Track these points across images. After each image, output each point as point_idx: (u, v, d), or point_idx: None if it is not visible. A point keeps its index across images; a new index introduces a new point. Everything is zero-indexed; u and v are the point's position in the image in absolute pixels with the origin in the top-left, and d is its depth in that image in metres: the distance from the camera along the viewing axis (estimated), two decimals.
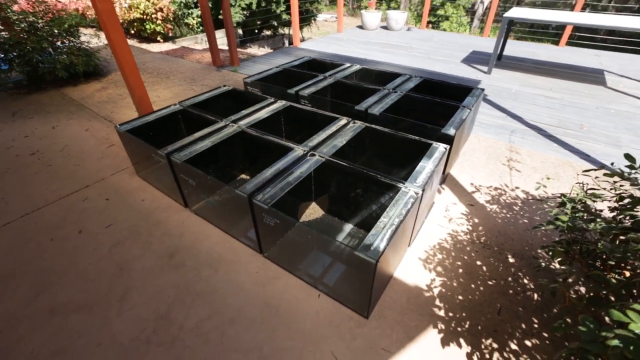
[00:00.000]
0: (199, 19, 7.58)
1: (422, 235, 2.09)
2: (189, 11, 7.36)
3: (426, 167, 1.87)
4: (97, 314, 1.63)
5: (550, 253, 1.47)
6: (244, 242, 2.01)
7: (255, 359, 1.44)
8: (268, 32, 9.88)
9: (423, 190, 1.68)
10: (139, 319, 1.61)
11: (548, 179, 1.67)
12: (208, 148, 2.12)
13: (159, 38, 6.77)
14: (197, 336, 1.54)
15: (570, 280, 1.71)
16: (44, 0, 4.35)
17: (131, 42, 6.82)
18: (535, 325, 1.58)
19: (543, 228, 1.50)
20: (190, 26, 7.61)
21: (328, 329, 1.56)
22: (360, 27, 8.01)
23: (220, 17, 7.29)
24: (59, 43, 4.38)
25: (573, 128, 3.41)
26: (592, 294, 1.17)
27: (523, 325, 1.58)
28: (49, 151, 3.01)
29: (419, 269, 1.86)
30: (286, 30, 10.13)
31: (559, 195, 1.85)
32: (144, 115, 2.55)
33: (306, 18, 9.37)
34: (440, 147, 2.06)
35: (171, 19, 6.71)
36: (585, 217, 1.44)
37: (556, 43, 6.41)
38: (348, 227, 2.10)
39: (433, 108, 2.75)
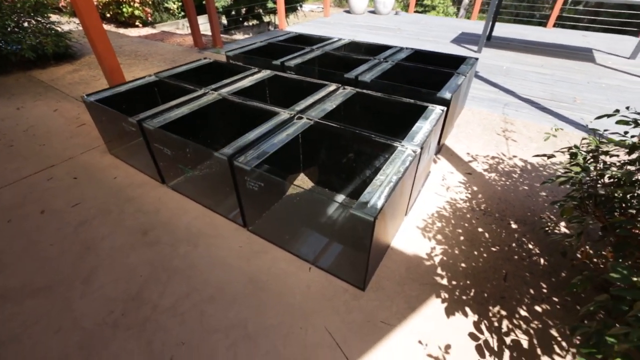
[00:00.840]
0: (180, 3, 7.25)
1: (419, 203, 1.95)
2: None
3: (423, 127, 1.73)
4: (57, 297, 1.43)
5: (561, 209, 1.35)
6: (226, 217, 1.83)
7: (238, 337, 1.28)
8: (253, 22, 9.60)
9: (421, 149, 1.54)
10: (105, 300, 1.42)
11: (557, 129, 1.54)
12: (184, 115, 1.92)
13: (137, 23, 6.43)
14: (173, 317, 1.36)
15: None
16: None
17: (107, 27, 6.46)
18: (544, 290, 1.46)
19: (552, 183, 1.38)
20: (171, 11, 7.27)
21: (320, 302, 1.40)
22: (348, 11, 7.83)
23: (203, 2, 7.00)
24: (25, 24, 4.06)
25: (566, 101, 3.34)
26: (616, 241, 1.04)
27: (531, 291, 1.46)
28: (11, 132, 2.74)
29: (418, 238, 1.72)
30: (272, 18, 9.86)
31: (538, 155, 1.73)
32: (115, 85, 2.32)
33: (292, 7, 9.12)
34: (437, 109, 1.92)
35: (150, 2, 6.37)
36: (598, 168, 1.32)
37: (544, 25, 6.37)
38: (340, 198, 1.94)
39: (426, 77, 2.60)
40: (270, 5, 8.18)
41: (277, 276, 1.52)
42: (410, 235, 1.74)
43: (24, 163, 2.33)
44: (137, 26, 6.45)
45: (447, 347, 1.25)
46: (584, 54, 4.77)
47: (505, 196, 2.01)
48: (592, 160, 1.35)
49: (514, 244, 1.69)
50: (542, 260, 1.60)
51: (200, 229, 1.77)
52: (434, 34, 5.90)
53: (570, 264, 1.57)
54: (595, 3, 10.44)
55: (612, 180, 1.27)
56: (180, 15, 7.40)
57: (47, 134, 2.69)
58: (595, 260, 1.52)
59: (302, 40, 3.66)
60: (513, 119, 2.95)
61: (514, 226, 1.80)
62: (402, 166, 1.41)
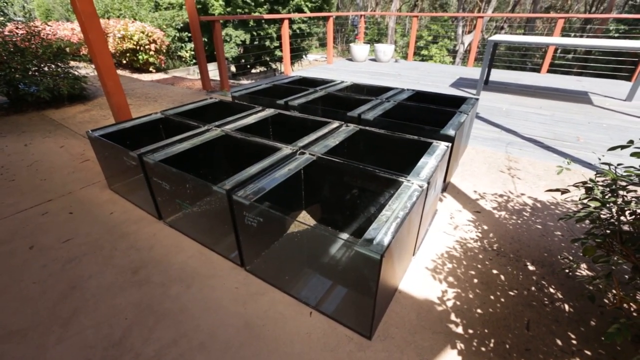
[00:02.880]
0: (192, 52, 7.76)
1: (427, 243, 1.85)
2: (182, 44, 7.54)
3: (428, 162, 1.69)
4: (31, 343, 1.30)
5: (582, 247, 1.24)
6: (223, 255, 1.73)
7: None
8: (260, 69, 10.18)
9: (428, 184, 1.48)
10: (83, 347, 1.28)
11: (569, 162, 1.49)
12: (186, 150, 1.91)
13: (151, 68, 6.82)
14: None
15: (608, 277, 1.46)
16: (32, 26, 4.33)
17: (122, 72, 6.85)
18: (574, 342, 1.30)
19: (568, 220, 1.29)
20: (184, 59, 7.75)
21: (321, 353, 1.25)
22: (350, 59, 8.30)
23: (214, 52, 7.49)
24: (45, 68, 4.30)
25: (569, 140, 3.34)
26: None
27: (559, 342, 1.30)
28: (15, 167, 2.75)
29: (428, 280, 1.59)
30: (278, 66, 10.46)
31: (550, 190, 1.67)
32: (121, 122, 2.36)
33: (297, 55, 9.72)
34: (441, 145, 1.89)
35: (164, 50, 6.82)
36: (618, 202, 1.24)
37: (537, 71, 6.66)
38: (344, 237, 1.85)
39: (428, 115, 2.63)
40: (277, 53, 8.72)
41: (275, 321, 1.38)
42: (419, 277, 1.61)
43: (21, 197, 2.29)
44: (151, 72, 6.84)
45: None
46: (581, 97, 4.90)
47: (518, 235, 1.91)
48: (609, 195, 1.27)
49: (533, 288, 1.55)
50: (566, 307, 1.45)
51: (195, 267, 1.66)
52: (433, 78, 6.16)
53: (599, 310, 1.42)
54: (585, 51, 11.07)
55: (634, 215, 1.18)
56: (192, 62, 7.89)
57: (50, 169, 2.69)
58: (628, 305, 1.38)
59: (306, 83, 3.81)
60: (517, 157, 2.92)
61: (531, 268, 1.67)
62: (409, 201, 1.35)
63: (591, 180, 1.33)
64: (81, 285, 1.57)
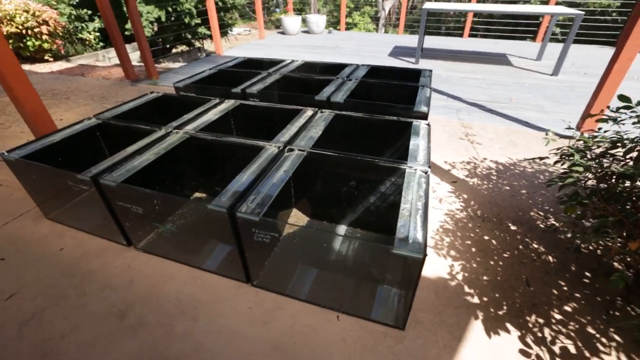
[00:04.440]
0: (97, 34, 6.52)
1: None
2: (83, 24, 6.26)
3: (419, 144, 1.70)
4: None
5: (565, 207, 1.40)
6: (223, 274, 1.56)
7: None
8: (181, 48, 9.10)
9: (429, 168, 1.49)
10: None
11: (548, 133, 1.63)
12: (150, 163, 1.62)
13: (47, 57, 5.56)
14: None
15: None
16: None
17: None
18: (565, 288, 1.50)
19: (560, 183, 1.43)
20: (87, 42, 6.48)
21: (363, 355, 1.24)
22: (282, 32, 7.87)
23: (126, 32, 6.40)
24: None
25: (504, 101, 3.71)
26: None
27: (554, 291, 1.48)
28: None
29: (434, 257, 1.66)
30: (201, 44, 9.47)
31: (531, 158, 1.86)
32: (44, 136, 1.89)
33: (223, 32, 8.86)
34: (422, 124, 1.92)
35: (60, 33, 5.58)
36: (595, 164, 1.40)
37: (460, 35, 7.17)
38: (342, 228, 1.81)
39: (391, 91, 2.65)
40: (200, 30, 7.83)
41: (304, 335, 1.31)
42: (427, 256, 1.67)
43: None
44: (48, 60, 5.59)
45: None
46: (501, 59, 5.44)
47: (493, 199, 2.09)
48: (586, 159, 1.44)
49: (520, 246, 1.73)
50: (550, 258, 1.66)
51: (193, 295, 1.47)
52: (370, 49, 6.22)
53: (574, 256, 1.65)
54: (487, 14, 12.24)
55: (614, 177, 1.35)
56: (98, 46, 6.65)
57: None
58: (618, 254, 1.62)
59: (253, 65, 3.50)
60: (469, 122, 3.16)
61: (513, 228, 1.86)
62: (421, 190, 1.35)
63: (569, 147, 1.47)
64: (54, 349, 1.27)
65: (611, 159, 1.44)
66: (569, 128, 1.67)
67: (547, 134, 1.59)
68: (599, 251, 1.64)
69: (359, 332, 1.32)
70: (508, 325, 1.34)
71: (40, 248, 1.75)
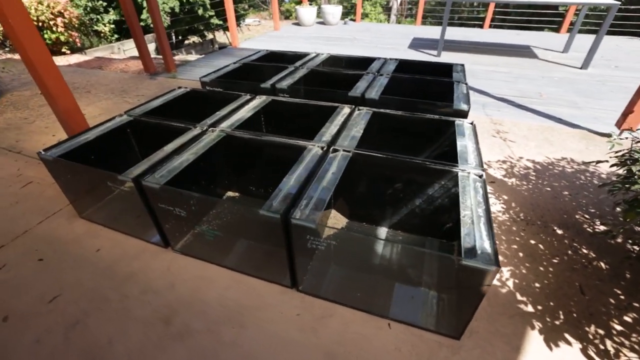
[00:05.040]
0: (112, 26, 6.46)
1: None
2: (99, 16, 6.20)
3: (467, 145, 1.63)
4: None
5: (624, 213, 1.33)
6: (267, 279, 1.52)
7: None
8: (193, 39, 9.02)
9: (484, 172, 1.43)
10: None
11: (613, 135, 1.55)
12: (190, 163, 1.58)
13: (64, 49, 5.53)
14: None
15: None
16: None
17: None
18: (622, 297, 1.43)
19: (619, 190, 1.36)
20: (102, 34, 6.43)
21: None
22: (297, 24, 7.73)
23: (140, 22, 6.32)
24: None
25: (533, 96, 3.58)
26: None
27: (611, 300, 1.42)
28: None
29: None
30: (214, 35, 9.37)
31: (589, 162, 1.77)
32: (78, 134, 1.86)
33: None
34: (466, 124, 1.84)
35: (76, 25, 5.53)
36: None
37: (481, 26, 6.96)
38: (383, 231, 1.76)
39: (425, 87, 2.56)
40: (213, 21, 7.73)
41: (355, 343, 1.27)
42: None
43: None
44: (65, 53, 5.56)
45: None
46: (526, 51, 5.26)
47: (535, 201, 2.01)
48: None
49: (570, 252, 1.66)
50: (602, 265, 1.59)
51: (238, 301, 1.44)
52: (389, 41, 6.07)
53: (627, 263, 1.58)
54: (505, 4, 11.89)
55: None
56: (113, 38, 6.60)
57: None
58: None
59: (276, 58, 3.42)
60: (499, 119, 3.05)
61: (559, 232, 1.79)
62: (479, 195, 1.28)
63: (635, 151, 1.39)
64: (103, 355, 1.26)
65: None
66: (625, 130, 1.58)
67: (612, 138, 1.50)
68: None
69: (413, 341, 1.28)
70: (567, 335, 1.29)
71: (77, 248, 1.74)
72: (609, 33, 6.57)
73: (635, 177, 1.33)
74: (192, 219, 1.46)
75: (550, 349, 1.25)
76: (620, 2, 3.82)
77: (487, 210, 1.20)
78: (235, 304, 1.43)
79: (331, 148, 1.60)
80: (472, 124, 1.83)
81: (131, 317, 1.39)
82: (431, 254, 1.13)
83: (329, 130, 1.79)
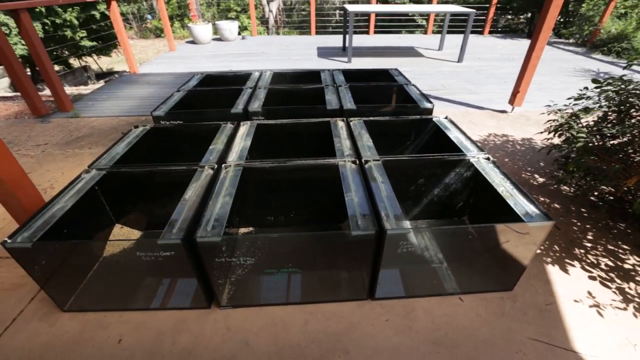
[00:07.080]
0: None
1: None
2: None
3: (458, 136, 1.97)
4: None
5: (569, 163, 1.87)
6: (339, 299, 1.52)
7: None
8: (57, 68, 7.46)
9: (488, 155, 1.77)
10: None
11: (558, 110, 2.09)
12: (232, 205, 1.44)
13: None
14: None
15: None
16: None
17: None
18: (579, 224, 1.99)
19: (559, 150, 1.89)
20: None
21: (501, 319, 1.43)
22: (191, 42, 7.26)
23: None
24: None
25: (440, 88, 4.37)
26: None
27: (575, 228, 1.96)
28: None
29: None
30: (87, 62, 7.96)
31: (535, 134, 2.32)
32: (44, 206, 1.44)
33: (106, 44, 7.55)
34: (441, 118, 2.20)
35: None
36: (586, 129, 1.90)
37: (367, 33, 7.92)
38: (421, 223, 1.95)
39: (383, 92, 2.87)
40: (84, 43, 6.54)
41: (447, 323, 1.42)
42: None
43: None
44: None
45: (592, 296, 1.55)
46: (413, 51, 6.29)
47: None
48: (580, 125, 1.93)
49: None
50: (557, 205, 2.15)
51: (324, 331, 1.41)
52: (297, 52, 6.34)
53: (570, 201, 2.18)
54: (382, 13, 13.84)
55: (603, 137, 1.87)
56: None
57: None
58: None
59: (217, 82, 3.24)
60: None
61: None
62: (499, 173, 1.60)
63: (569, 117, 1.95)
64: None
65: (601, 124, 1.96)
66: (548, 106, 2.18)
67: (547, 113, 2.05)
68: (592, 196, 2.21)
69: (485, 304, 1.51)
70: (568, 260, 1.74)
71: (89, 351, 1.36)
72: (460, 32, 8.39)
73: (575, 139, 1.87)
74: (259, 263, 1.35)
75: (567, 272, 1.67)
76: (475, 11, 4.99)
77: (514, 183, 1.52)
78: (324, 334, 1.40)
79: (363, 160, 1.70)
80: (447, 118, 2.20)
81: None
82: (498, 228, 1.35)
83: (346, 143, 1.88)
